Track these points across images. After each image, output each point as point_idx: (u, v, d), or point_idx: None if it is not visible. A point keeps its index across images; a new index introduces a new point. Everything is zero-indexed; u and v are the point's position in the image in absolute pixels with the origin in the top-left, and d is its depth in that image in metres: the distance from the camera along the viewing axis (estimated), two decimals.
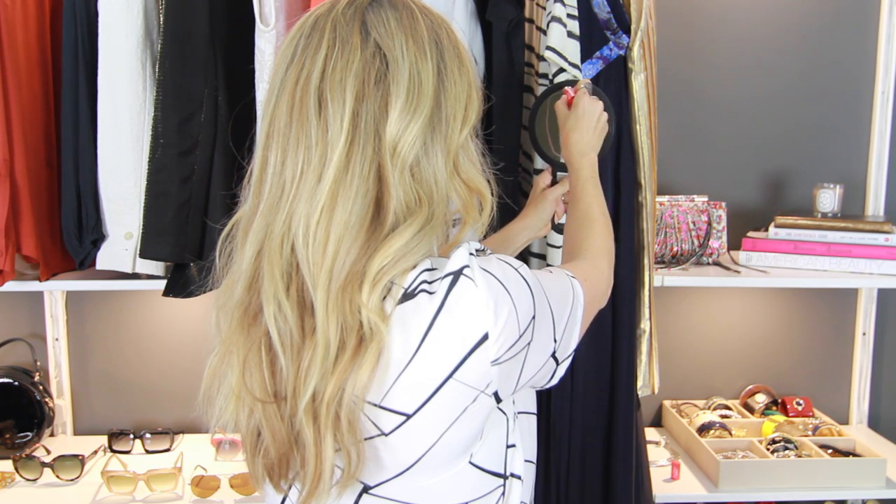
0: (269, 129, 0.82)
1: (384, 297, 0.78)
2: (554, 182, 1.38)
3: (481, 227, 0.86)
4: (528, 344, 0.82)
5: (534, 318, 0.82)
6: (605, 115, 1.31)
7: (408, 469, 0.80)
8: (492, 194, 0.86)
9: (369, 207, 0.78)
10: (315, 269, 0.77)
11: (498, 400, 0.82)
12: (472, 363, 0.77)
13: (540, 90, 1.58)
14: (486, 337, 0.77)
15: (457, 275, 0.78)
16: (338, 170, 0.77)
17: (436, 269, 0.80)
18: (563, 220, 1.40)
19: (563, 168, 1.37)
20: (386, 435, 0.79)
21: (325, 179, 0.77)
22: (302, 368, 0.78)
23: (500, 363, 0.79)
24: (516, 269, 0.83)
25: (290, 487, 0.85)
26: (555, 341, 0.88)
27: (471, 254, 0.81)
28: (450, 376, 0.77)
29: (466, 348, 0.77)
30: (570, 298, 0.92)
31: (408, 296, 0.78)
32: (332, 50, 0.79)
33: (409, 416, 0.78)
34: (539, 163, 1.60)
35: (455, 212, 0.84)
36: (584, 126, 1.28)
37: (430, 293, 0.78)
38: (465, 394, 0.78)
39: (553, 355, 0.88)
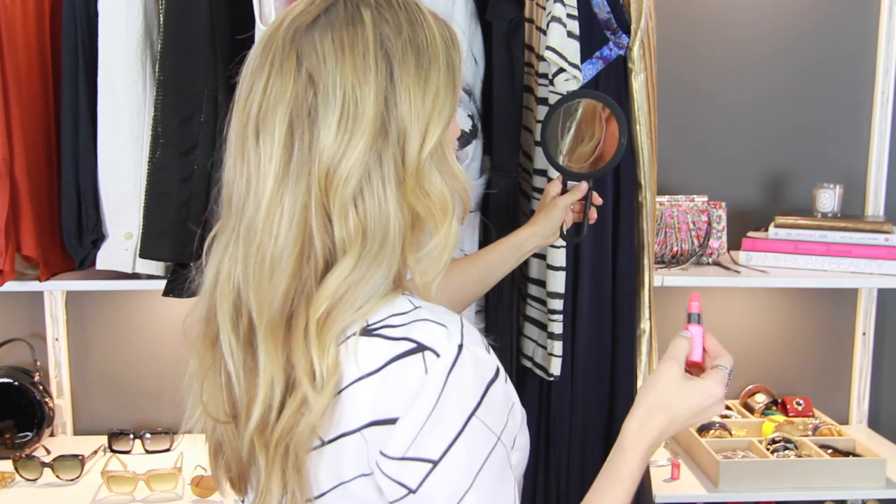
0: (227, 149, 0.80)
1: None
2: (564, 191, 1.37)
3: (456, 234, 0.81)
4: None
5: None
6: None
7: (322, 495, 0.78)
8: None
9: (303, 245, 0.75)
10: (256, 307, 0.75)
11: None
12: (376, 431, 0.73)
13: (540, 90, 1.58)
14: (393, 421, 0.72)
15: (421, 348, 0.73)
16: (270, 205, 0.74)
17: (408, 311, 0.76)
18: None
19: (575, 178, 1.36)
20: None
21: (259, 213, 0.75)
22: (251, 397, 0.77)
23: (390, 459, 0.73)
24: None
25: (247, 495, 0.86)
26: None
27: (460, 345, 0.73)
28: (359, 429, 0.74)
29: (376, 416, 0.73)
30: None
31: (367, 331, 0.75)
32: (270, 77, 0.76)
33: (323, 443, 0.75)
34: (539, 162, 1.59)
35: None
36: (689, 417, 0.90)
37: (387, 339, 0.74)
38: (360, 457, 0.74)
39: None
